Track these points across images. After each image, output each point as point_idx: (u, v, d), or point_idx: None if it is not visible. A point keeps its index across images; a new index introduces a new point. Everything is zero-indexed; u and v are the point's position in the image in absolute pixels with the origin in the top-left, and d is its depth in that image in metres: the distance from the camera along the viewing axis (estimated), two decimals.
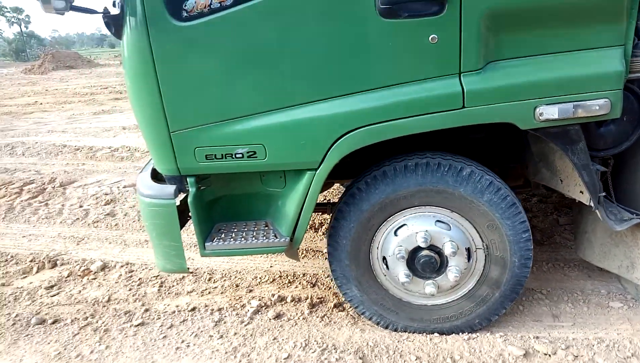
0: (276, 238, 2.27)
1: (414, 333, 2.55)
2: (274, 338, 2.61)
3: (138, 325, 2.82)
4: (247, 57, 1.99)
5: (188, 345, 2.62)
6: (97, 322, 2.88)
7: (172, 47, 1.96)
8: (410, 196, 2.28)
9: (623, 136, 2.27)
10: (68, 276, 3.46)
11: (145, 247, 3.86)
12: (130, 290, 3.22)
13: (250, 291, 3.12)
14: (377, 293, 2.50)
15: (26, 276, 3.53)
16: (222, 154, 2.10)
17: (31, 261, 3.69)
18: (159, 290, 3.20)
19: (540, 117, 2.02)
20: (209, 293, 3.13)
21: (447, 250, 2.30)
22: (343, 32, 1.95)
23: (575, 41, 2.00)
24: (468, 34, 1.93)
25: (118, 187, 5.35)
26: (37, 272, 3.58)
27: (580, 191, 2.33)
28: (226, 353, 2.53)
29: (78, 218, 4.49)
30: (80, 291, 3.25)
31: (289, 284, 3.17)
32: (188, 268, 2.32)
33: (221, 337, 2.67)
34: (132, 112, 2.26)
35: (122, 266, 3.54)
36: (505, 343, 2.41)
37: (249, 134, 2.07)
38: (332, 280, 3.15)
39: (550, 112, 2.00)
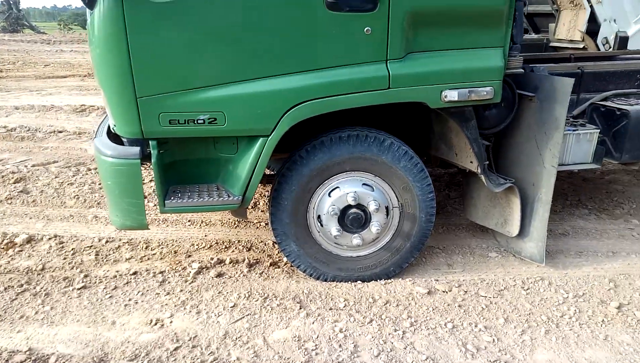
0: (229, 197, 2.57)
1: (341, 282, 3.01)
2: (219, 292, 2.90)
3: (80, 288, 2.92)
4: (211, 32, 2.28)
5: (136, 302, 2.80)
6: (34, 288, 2.91)
7: (144, 19, 2.18)
8: (342, 162, 2.73)
9: (501, 118, 2.96)
10: None
11: (71, 221, 3.84)
12: (64, 259, 3.26)
13: (189, 256, 3.35)
14: (312, 248, 2.91)
15: None
16: (185, 120, 2.36)
17: None
18: (95, 257, 3.28)
19: (445, 99, 2.59)
20: (148, 259, 3.30)
21: (372, 207, 2.79)
22: (296, 18, 2.33)
23: (470, 41, 2.61)
24: (394, 28, 2.43)
25: (26, 166, 5.11)
26: None
27: (470, 161, 2.96)
28: (175, 306, 2.76)
29: None
30: (9, 262, 3.20)
31: (225, 249, 3.46)
32: (147, 224, 2.52)
33: (168, 293, 2.89)
34: (97, 79, 2.41)
35: (49, 238, 3.53)
36: (414, 285, 2.97)
37: (211, 102, 2.35)
38: (265, 245, 3.52)
39: (452, 95, 2.58)
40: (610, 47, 6.69)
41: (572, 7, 6.69)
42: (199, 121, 2.37)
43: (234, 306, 2.76)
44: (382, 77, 2.48)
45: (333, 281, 3.01)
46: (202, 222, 3.85)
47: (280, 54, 2.37)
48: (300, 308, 2.75)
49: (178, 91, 2.31)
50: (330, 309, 2.75)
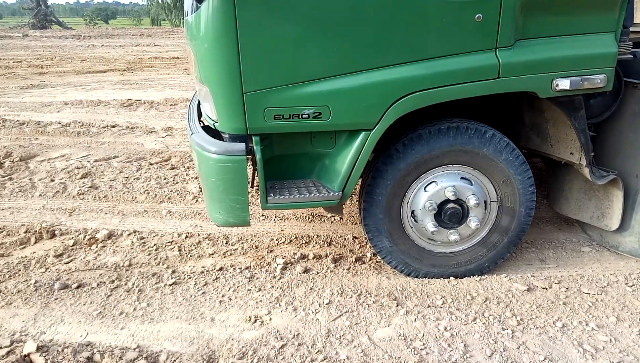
0: (329, 192, 2.50)
1: (433, 278, 2.92)
2: (311, 289, 2.85)
3: (172, 284, 2.91)
4: (319, 25, 2.20)
5: (230, 299, 2.77)
6: (126, 284, 2.92)
7: (254, 13, 2.11)
8: (441, 155, 2.62)
9: (605, 107, 2.81)
10: (74, 244, 3.40)
11: (145, 216, 3.86)
12: (149, 254, 3.26)
13: (271, 251, 3.31)
14: (405, 244, 2.83)
15: (25, 247, 3.41)
16: (289, 115, 2.29)
17: (26, 232, 3.55)
18: (179, 253, 3.28)
19: (556, 88, 2.45)
20: (231, 254, 3.28)
21: (471, 202, 2.68)
22: (406, 6, 2.23)
23: (582, 26, 2.46)
24: (505, 15, 2.30)
25: (89, 161, 5.17)
26: (35, 243, 3.46)
27: (571, 153, 2.82)
28: (270, 303, 2.73)
29: (58, 191, 4.31)
30: (96, 258, 3.23)
31: (306, 244, 3.41)
32: (249, 221, 2.48)
33: (259, 290, 2.86)
34: (202, 74, 2.36)
35: (129, 234, 3.54)
36: (511, 282, 2.87)
37: (316, 96, 2.28)
38: (344, 239, 3.45)
39: (564, 83, 2.44)
40: None
41: None
42: (303, 116, 2.30)
43: (329, 303, 2.71)
44: (492, 66, 2.36)
45: (425, 277, 2.93)
46: (276, 217, 3.81)
47: (388, 45, 2.27)
48: (398, 306, 2.68)
49: (284, 85, 2.24)
50: (429, 306, 2.67)
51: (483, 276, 2.93)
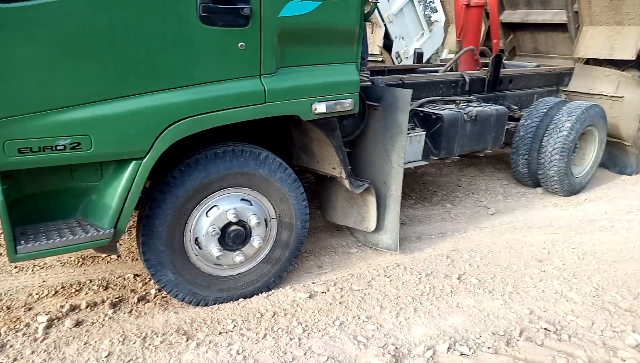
0: (98, 231, 2.23)
1: (223, 303, 2.89)
2: (85, 343, 2.48)
3: None
4: (72, 47, 1.95)
5: None
6: None
7: None
8: (220, 179, 2.63)
9: (355, 127, 3.27)
10: None
11: None
12: None
13: (30, 309, 2.77)
14: (191, 273, 2.73)
15: None
16: (40, 147, 1.96)
17: None
18: None
19: (315, 111, 2.74)
20: None
21: (253, 221, 2.76)
22: (169, 32, 2.16)
23: (330, 57, 2.81)
24: (266, 43, 2.46)
25: None
26: None
27: (333, 168, 3.18)
28: None
29: None
30: None
31: (76, 292, 2.96)
32: None
33: (15, 360, 2.35)
34: None
35: None
36: (295, 292, 3.05)
37: (73, 124, 2.01)
38: (124, 279, 3.14)
39: (321, 107, 2.74)
40: (401, 61, 7.94)
41: (370, 25, 7.69)
42: (58, 148, 2.00)
43: (108, 355, 2.41)
44: (259, 92, 2.49)
45: (215, 304, 2.87)
46: (34, 266, 3.21)
47: (154, 70, 2.16)
48: (188, 340, 2.55)
49: (30, 113, 1.91)
50: (220, 333, 2.63)
51: (270, 292, 3.04)
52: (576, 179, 5.11)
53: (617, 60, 5.32)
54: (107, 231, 2.25)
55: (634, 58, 5.14)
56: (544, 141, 4.83)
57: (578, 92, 5.60)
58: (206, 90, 2.32)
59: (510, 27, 6.44)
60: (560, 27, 5.83)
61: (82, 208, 2.33)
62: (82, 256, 3.34)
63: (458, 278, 3.33)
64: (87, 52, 1.99)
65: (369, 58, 7.81)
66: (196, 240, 2.68)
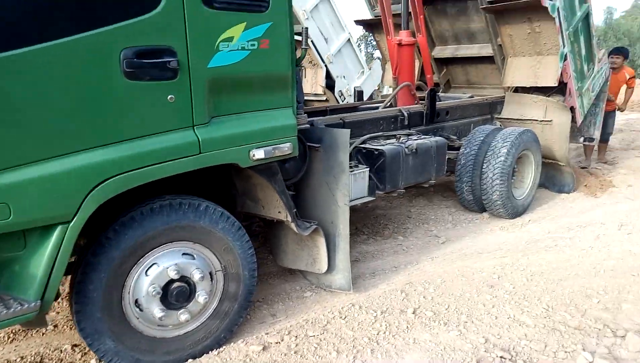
0: (22, 305, 2.05)
1: None
2: None
3: None
4: None
5: None
6: None
7: None
8: (158, 235, 2.52)
9: (298, 169, 3.26)
10: None
11: None
12: None
13: None
14: (133, 338, 2.56)
15: None
16: None
17: None
18: None
19: (253, 157, 2.71)
20: None
21: (196, 276, 2.65)
22: (92, 91, 2.09)
23: (266, 103, 2.82)
24: (196, 94, 2.44)
25: None
26: None
27: (279, 212, 3.14)
28: None
29: None
30: None
31: None
32: None
33: None
34: None
35: None
36: (247, 345, 2.91)
37: None
38: (61, 352, 2.91)
39: (259, 153, 2.72)
40: (345, 99, 8.15)
41: (311, 66, 7.88)
42: None
43: None
44: (193, 143, 2.44)
45: None
46: None
47: (77, 129, 2.07)
48: None
49: None
50: None
51: (221, 348, 2.89)
52: (518, 202, 5.31)
53: (542, 87, 5.68)
54: (33, 304, 2.08)
55: (556, 84, 5.51)
56: (484, 167, 5.01)
57: (511, 118, 5.90)
58: (135, 146, 2.25)
59: (443, 62, 6.78)
60: (488, 60, 6.20)
61: (3, 280, 2.15)
62: (12, 331, 3.07)
63: (413, 313, 3.30)
64: (2, 115, 1.88)
65: (314, 98, 8.00)
66: (136, 301, 2.53)
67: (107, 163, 2.15)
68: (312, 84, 7.88)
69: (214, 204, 2.76)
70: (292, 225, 3.13)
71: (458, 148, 5.21)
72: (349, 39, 8.30)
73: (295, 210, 3.12)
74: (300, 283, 3.79)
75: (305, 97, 7.96)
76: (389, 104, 5.33)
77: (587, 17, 5.87)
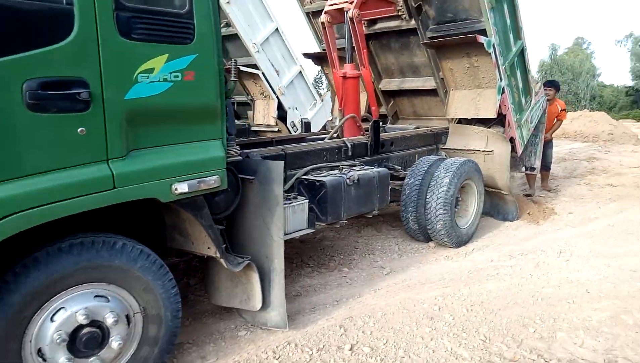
0: None
1: None
2: None
3: None
4: None
5: None
6: None
7: None
8: (67, 277, 2.34)
9: (229, 202, 3.15)
10: None
11: None
12: None
13: None
14: None
15: None
16: None
17: None
18: None
19: (175, 191, 2.59)
20: None
21: (109, 320, 2.46)
22: None
23: (191, 135, 2.73)
24: (112, 127, 2.32)
25: None
26: None
27: (208, 247, 3.01)
28: None
29: None
30: None
31: None
32: None
33: None
34: None
35: None
36: None
37: None
38: None
39: (182, 187, 2.61)
40: (297, 130, 8.14)
41: (263, 98, 7.87)
42: None
43: None
44: (106, 178, 2.31)
45: None
46: None
47: None
48: None
49: None
50: None
51: None
52: (462, 230, 5.36)
53: (483, 118, 5.86)
54: None
55: (495, 116, 5.69)
56: (427, 197, 5.06)
57: (455, 149, 6.03)
58: (40, 181, 2.10)
59: (390, 94, 6.91)
60: (433, 92, 6.37)
61: None
62: None
63: (350, 349, 3.20)
64: None
65: (266, 129, 7.95)
66: (39, 351, 2.31)
67: (7, 199, 2.00)
68: (264, 115, 7.84)
69: (133, 241, 2.60)
70: (222, 261, 3.00)
71: (403, 178, 5.25)
72: (300, 72, 8.37)
73: (225, 245, 3.00)
74: (235, 322, 3.62)
75: (258, 129, 7.93)
76: (335, 135, 5.34)
77: (522, 52, 6.15)
